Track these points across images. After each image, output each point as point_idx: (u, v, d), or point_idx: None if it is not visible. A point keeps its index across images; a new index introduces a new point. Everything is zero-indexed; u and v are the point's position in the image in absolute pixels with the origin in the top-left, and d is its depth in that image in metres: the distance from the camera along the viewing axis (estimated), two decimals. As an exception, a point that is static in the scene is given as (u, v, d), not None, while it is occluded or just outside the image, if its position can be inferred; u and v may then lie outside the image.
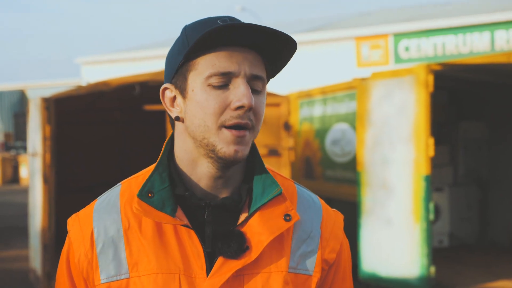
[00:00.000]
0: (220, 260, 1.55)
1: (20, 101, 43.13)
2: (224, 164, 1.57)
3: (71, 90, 8.44)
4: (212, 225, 1.59)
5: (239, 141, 1.53)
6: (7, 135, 35.74)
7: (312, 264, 1.63)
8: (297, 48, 1.56)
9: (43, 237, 7.75)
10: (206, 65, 1.54)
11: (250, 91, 1.53)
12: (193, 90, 1.56)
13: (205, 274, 1.55)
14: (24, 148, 30.69)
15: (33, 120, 8.53)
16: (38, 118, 7.97)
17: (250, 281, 1.57)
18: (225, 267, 1.55)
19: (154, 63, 24.86)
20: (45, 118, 7.75)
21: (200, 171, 1.60)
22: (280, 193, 1.61)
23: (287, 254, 1.60)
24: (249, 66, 1.54)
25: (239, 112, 1.52)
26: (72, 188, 10.77)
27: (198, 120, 1.55)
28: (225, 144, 1.53)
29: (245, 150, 1.55)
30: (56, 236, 8.04)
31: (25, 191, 17.78)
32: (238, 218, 1.61)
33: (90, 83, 8.51)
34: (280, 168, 7.82)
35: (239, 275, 1.56)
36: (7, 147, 32.45)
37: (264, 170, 1.64)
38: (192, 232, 1.57)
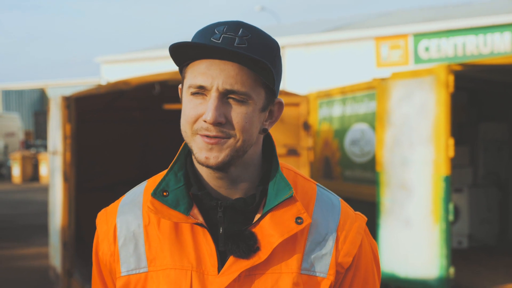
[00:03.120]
0: (231, 259, 1.58)
1: (40, 99, 43.48)
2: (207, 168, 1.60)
3: (91, 89, 8.46)
4: (226, 225, 1.61)
5: (210, 148, 1.56)
6: (27, 134, 35.96)
7: (326, 266, 1.63)
8: (270, 70, 1.53)
9: (63, 235, 7.80)
10: (189, 75, 1.59)
11: (217, 106, 1.54)
12: (182, 97, 1.63)
13: (216, 272, 1.58)
14: (44, 147, 30.86)
15: (54, 119, 8.57)
16: (58, 116, 8.01)
17: (260, 281, 1.59)
18: (235, 266, 1.58)
19: (174, 63, 24.90)
20: (65, 116, 7.79)
21: (205, 170, 1.64)
22: (291, 196, 1.62)
23: (299, 255, 1.62)
24: (224, 80, 1.54)
25: (207, 124, 1.55)
26: (92, 187, 10.80)
27: (181, 126, 1.61)
28: (198, 150, 1.58)
29: (218, 157, 1.56)
30: (75, 234, 8.09)
31: (44, 189, 17.90)
32: (252, 219, 1.63)
33: (110, 82, 8.54)
34: (299, 168, 7.80)
35: (251, 275, 1.59)
36: (27, 145, 32.62)
37: (278, 172, 1.65)
38: (206, 231, 1.60)
